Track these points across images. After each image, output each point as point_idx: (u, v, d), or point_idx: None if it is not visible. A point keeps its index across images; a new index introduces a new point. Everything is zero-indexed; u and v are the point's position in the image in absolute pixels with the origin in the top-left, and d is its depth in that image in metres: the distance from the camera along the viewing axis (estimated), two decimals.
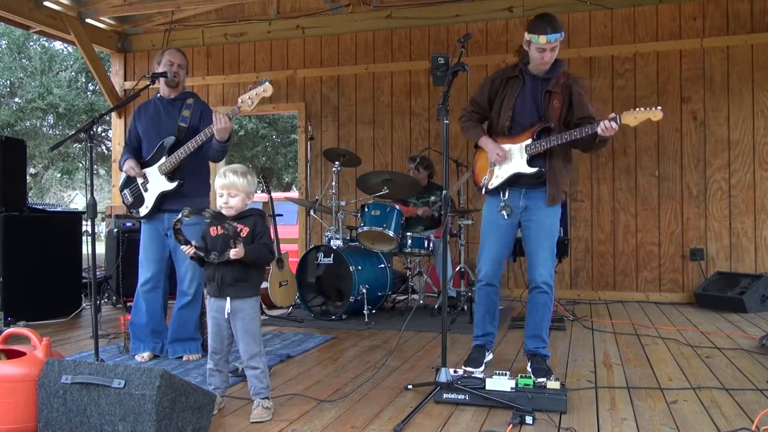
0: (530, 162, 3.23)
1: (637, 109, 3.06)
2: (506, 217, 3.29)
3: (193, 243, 2.69)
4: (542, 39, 3.08)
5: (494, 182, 3.33)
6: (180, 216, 2.70)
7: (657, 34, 6.37)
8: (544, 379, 2.84)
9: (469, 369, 3.34)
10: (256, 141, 18.54)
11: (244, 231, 2.73)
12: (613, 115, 3.06)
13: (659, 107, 3.03)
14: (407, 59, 7.08)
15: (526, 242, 3.37)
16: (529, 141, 3.23)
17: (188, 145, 3.62)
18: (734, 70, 6.17)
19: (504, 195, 3.32)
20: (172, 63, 3.79)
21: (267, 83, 3.24)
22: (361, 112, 7.26)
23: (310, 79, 7.40)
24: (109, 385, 2.22)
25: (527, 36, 3.15)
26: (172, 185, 3.71)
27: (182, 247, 2.68)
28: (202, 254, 2.67)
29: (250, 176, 2.79)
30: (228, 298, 2.70)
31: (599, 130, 3.03)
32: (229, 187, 2.73)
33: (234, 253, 2.61)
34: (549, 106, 3.22)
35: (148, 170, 3.77)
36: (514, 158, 3.26)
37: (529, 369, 3.29)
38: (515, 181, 3.29)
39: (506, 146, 3.28)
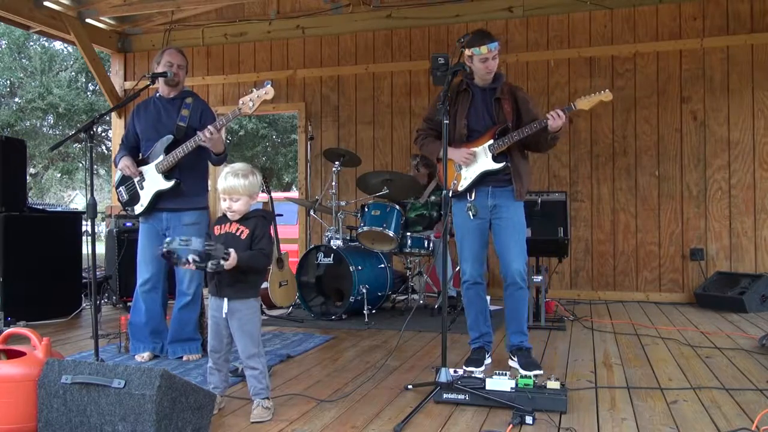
0: (495, 159, 3.41)
1: (591, 94, 3.38)
2: (472, 216, 3.44)
3: (190, 258, 2.55)
4: (484, 49, 3.33)
5: (463, 183, 3.48)
6: (164, 246, 2.57)
7: (657, 34, 6.37)
8: (538, 372, 2.88)
9: (469, 369, 3.35)
10: (256, 141, 18.54)
11: (245, 233, 2.71)
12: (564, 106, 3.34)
13: (607, 90, 3.37)
14: (407, 59, 7.08)
15: (497, 240, 3.49)
16: (491, 141, 3.41)
17: (185, 146, 3.61)
18: (734, 70, 6.16)
19: (471, 197, 3.48)
20: (171, 63, 3.78)
21: (269, 86, 3.23)
22: (361, 112, 7.26)
23: (310, 79, 7.40)
24: (109, 385, 2.22)
25: (469, 51, 3.38)
26: (168, 184, 3.70)
27: (180, 266, 2.59)
28: (203, 265, 2.61)
29: (252, 176, 2.71)
30: (225, 299, 2.69)
31: (550, 118, 3.25)
32: (231, 192, 2.69)
33: (227, 265, 2.57)
34: (501, 110, 3.44)
35: (144, 168, 3.77)
36: (480, 159, 3.43)
37: (516, 365, 3.36)
38: (482, 180, 3.44)
39: (471, 149, 3.45)
